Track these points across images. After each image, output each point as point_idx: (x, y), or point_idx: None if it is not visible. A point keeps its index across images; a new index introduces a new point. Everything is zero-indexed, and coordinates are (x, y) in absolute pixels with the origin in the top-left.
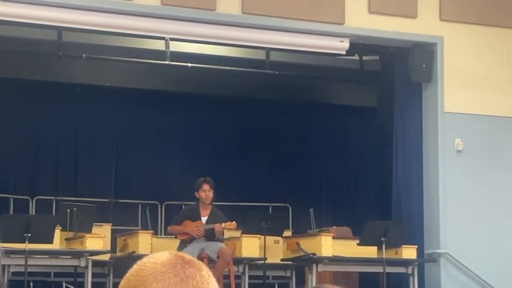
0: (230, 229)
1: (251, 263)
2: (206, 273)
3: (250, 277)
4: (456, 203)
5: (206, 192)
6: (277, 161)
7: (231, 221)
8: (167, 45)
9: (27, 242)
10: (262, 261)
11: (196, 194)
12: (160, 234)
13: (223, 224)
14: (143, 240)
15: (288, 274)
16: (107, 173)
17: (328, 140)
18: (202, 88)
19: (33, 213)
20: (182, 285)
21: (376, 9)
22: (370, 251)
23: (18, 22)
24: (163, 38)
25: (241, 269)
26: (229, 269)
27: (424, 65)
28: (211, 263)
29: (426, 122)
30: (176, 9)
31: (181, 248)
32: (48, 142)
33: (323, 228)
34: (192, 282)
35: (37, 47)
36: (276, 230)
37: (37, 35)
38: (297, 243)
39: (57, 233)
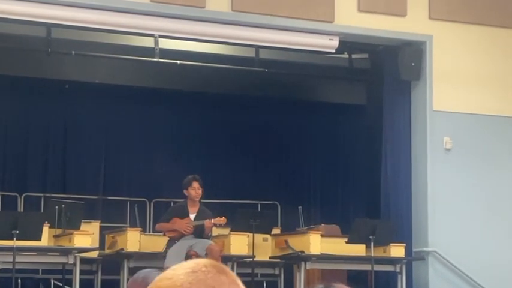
0: (220, 224)
1: (239, 260)
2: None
3: (238, 275)
4: (444, 202)
5: (196, 189)
6: (265, 159)
7: (220, 217)
8: (156, 43)
9: (15, 239)
10: (251, 259)
11: (185, 191)
12: (149, 232)
13: (212, 219)
14: (132, 238)
15: (277, 272)
16: (95, 170)
17: (317, 138)
18: (191, 85)
19: (22, 210)
20: None
21: (366, 7)
22: (359, 249)
23: (6, 18)
24: (152, 35)
25: (229, 267)
26: None
27: (413, 64)
28: None
29: (415, 120)
30: (165, 6)
31: (169, 245)
32: (37, 139)
33: (311, 226)
34: None
35: (26, 44)
36: (264, 228)
37: (26, 31)
38: (286, 241)
39: (46, 230)
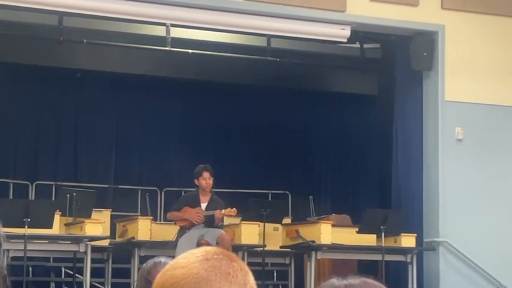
0: (230, 216)
1: (250, 249)
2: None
3: (249, 264)
4: (456, 192)
5: (207, 180)
6: (276, 148)
7: (231, 208)
8: (168, 31)
9: (26, 226)
10: (262, 248)
11: (195, 181)
12: (160, 220)
13: (223, 210)
14: (142, 226)
15: (287, 261)
16: (106, 158)
17: (328, 128)
18: (202, 74)
19: (33, 198)
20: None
21: None
22: (369, 239)
23: (19, 6)
24: (164, 24)
25: (240, 256)
26: None
27: (425, 54)
28: None
29: (426, 110)
30: None
31: (180, 234)
32: (48, 127)
33: (322, 216)
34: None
35: (38, 32)
36: (275, 217)
37: (38, 20)
38: (296, 231)
39: (57, 218)
